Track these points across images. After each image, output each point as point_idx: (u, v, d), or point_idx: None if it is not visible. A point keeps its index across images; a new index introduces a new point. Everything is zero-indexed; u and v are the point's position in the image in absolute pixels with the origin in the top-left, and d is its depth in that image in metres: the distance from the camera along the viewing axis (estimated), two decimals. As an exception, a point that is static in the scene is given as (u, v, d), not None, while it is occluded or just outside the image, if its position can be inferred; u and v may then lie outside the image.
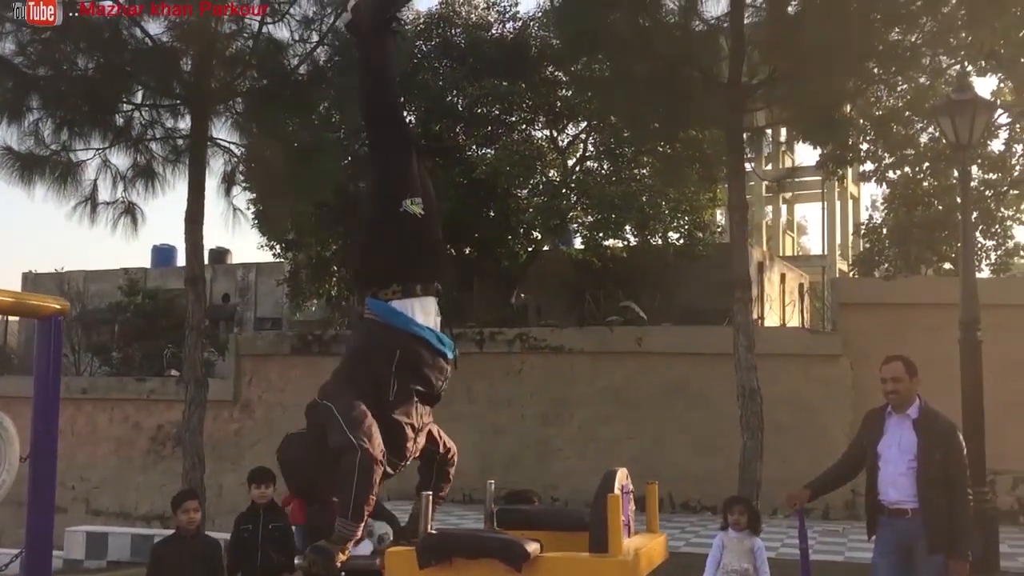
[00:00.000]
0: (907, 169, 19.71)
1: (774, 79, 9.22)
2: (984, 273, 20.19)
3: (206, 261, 34.26)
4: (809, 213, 38.21)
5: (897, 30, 11.90)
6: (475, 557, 3.47)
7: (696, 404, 13.60)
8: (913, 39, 12.07)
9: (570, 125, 22.23)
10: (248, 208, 16.38)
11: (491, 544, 3.49)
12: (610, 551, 3.38)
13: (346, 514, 3.58)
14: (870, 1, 10.92)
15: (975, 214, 19.40)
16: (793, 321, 23.94)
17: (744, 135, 9.56)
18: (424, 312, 4.01)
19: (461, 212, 19.72)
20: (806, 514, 6.25)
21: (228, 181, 11.16)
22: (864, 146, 19.04)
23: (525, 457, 14.73)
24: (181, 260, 34.52)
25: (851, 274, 21.29)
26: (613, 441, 13.75)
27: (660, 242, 20.39)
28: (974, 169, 20.43)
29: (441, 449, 4.33)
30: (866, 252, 20.04)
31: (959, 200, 11.74)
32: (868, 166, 19.84)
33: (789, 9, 9.74)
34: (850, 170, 23.08)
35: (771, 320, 22.54)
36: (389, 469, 3.87)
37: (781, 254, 29.69)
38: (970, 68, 15.12)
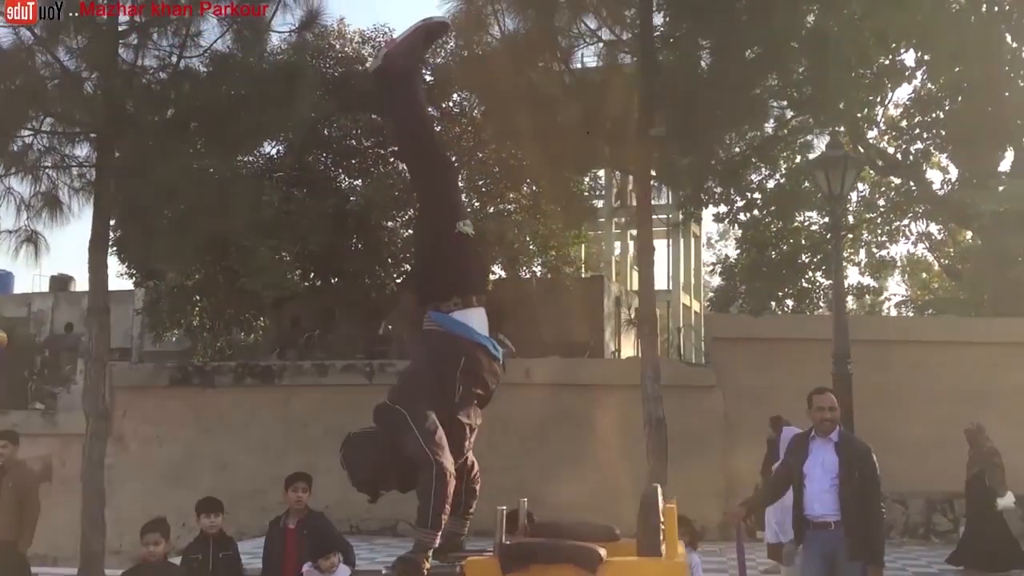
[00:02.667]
0: (755, 212, 21.22)
1: (677, 132, 9.98)
2: (821, 310, 21.97)
3: (46, 288, 32.54)
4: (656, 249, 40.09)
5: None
6: (552, 563, 3.80)
7: (580, 434, 14.19)
8: (758, 91, 13.15)
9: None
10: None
11: (567, 550, 3.84)
12: (666, 555, 3.85)
13: (425, 524, 3.83)
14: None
15: (819, 257, 21.14)
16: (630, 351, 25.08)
17: (652, 183, 10.27)
18: (480, 322, 4.36)
19: (332, 242, 19.81)
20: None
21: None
22: (718, 189, 20.41)
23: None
24: (17, 287, 32.77)
25: (708, 309, 22.61)
26: (500, 470, 14.11)
27: (528, 276, 21.06)
28: (813, 214, 22.30)
29: (468, 463, 4.57)
30: (722, 289, 21.41)
31: (830, 246, 12.83)
32: (722, 208, 21.18)
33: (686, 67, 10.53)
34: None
35: (627, 351, 23.60)
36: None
37: (629, 288, 31.04)
38: (812, 120, 16.56)
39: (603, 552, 3.82)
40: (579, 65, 10.66)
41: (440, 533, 3.92)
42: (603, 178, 20.99)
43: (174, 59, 10.69)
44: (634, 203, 28.86)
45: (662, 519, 4.05)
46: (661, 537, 4.00)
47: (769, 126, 15.59)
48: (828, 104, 12.37)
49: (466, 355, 4.21)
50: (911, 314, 24.80)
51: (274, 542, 7.09)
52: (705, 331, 15.84)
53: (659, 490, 4.09)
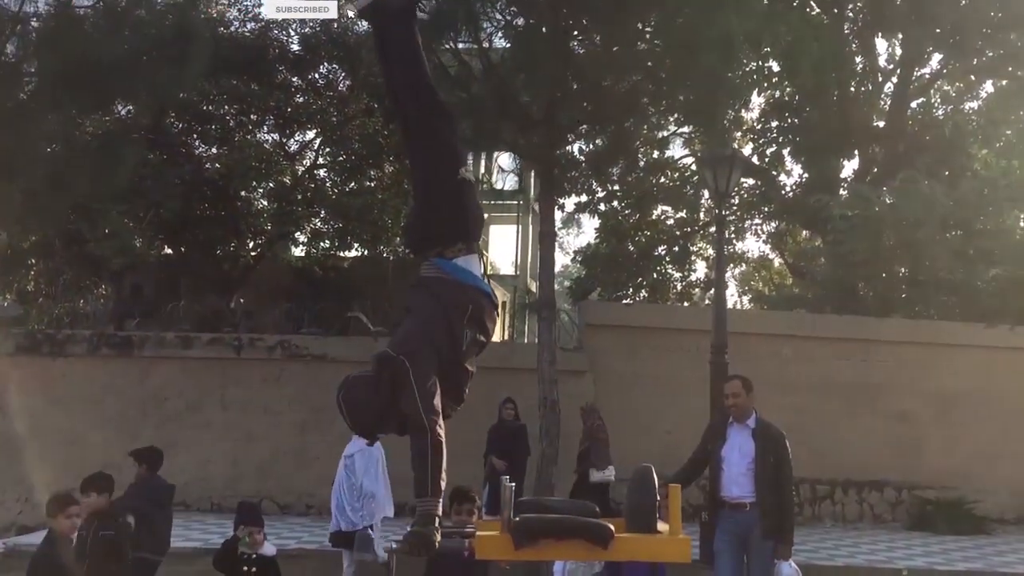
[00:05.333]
0: (615, 204, 21.79)
1: (580, 122, 10.18)
2: (670, 301, 22.82)
3: None
4: (500, 235, 40.33)
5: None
6: (564, 538, 3.79)
7: (460, 415, 14.19)
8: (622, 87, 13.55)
9: (299, 132, 22.17)
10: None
11: (579, 526, 3.83)
12: (672, 531, 3.97)
13: (425, 492, 3.75)
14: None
15: (676, 249, 21.94)
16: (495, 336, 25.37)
17: (555, 169, 10.42)
18: (478, 267, 4.29)
19: (185, 210, 19.03)
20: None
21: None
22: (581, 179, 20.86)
23: (281, 464, 14.55)
24: None
25: (567, 297, 23.05)
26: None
27: (390, 256, 20.87)
28: (668, 209, 23.11)
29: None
30: (583, 277, 21.89)
31: (715, 237, 13.30)
32: (583, 198, 21.57)
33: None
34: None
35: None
36: (450, 412, 4.07)
37: (487, 269, 31.20)
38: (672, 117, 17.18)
39: (613, 527, 3.90)
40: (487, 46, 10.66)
41: (440, 499, 3.89)
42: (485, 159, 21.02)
43: (58, 8, 10.04)
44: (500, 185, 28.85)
45: (659, 497, 4.16)
46: (658, 515, 4.12)
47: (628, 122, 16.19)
48: (707, 105, 12.86)
49: (472, 302, 4.14)
50: (750, 308, 26.09)
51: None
52: (579, 317, 16.17)
53: (652, 469, 4.20)
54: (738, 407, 7.17)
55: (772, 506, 6.88)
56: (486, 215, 34.33)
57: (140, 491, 7.52)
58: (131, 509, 6.99)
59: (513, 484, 4.12)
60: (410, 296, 4.33)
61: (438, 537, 3.81)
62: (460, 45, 10.53)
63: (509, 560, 4.41)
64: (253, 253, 21.43)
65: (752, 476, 6.96)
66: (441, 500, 3.91)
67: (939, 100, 22.14)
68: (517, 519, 3.93)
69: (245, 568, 6.41)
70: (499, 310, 4.47)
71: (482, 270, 4.43)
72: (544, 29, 10.02)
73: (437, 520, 3.85)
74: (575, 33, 10.84)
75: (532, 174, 20.65)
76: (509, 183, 27.07)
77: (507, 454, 10.56)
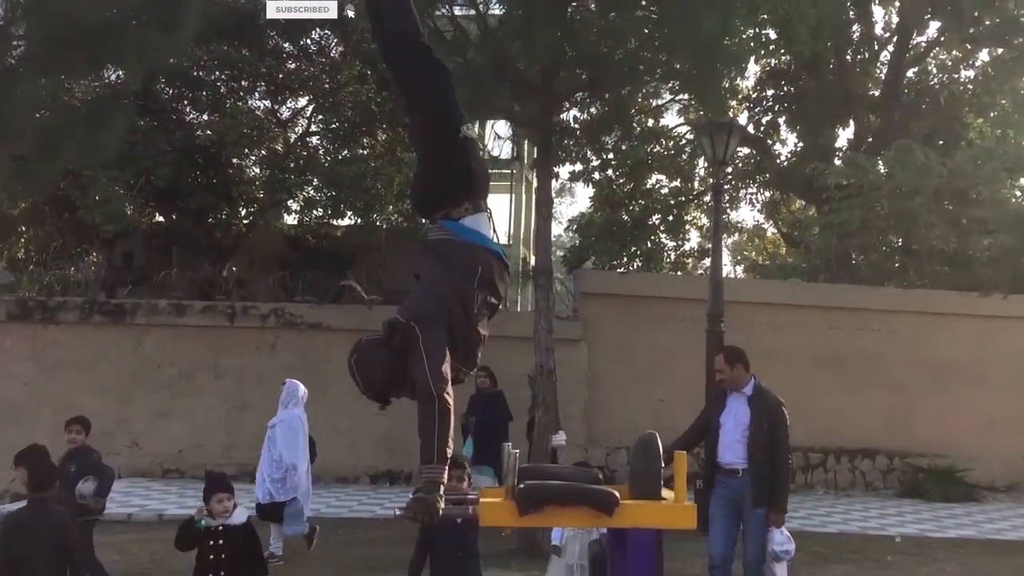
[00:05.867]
0: (610, 172, 21.70)
1: (577, 89, 10.09)
2: (665, 270, 22.81)
3: None
4: (496, 203, 40.27)
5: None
6: (568, 505, 3.79)
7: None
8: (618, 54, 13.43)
9: (291, 99, 21.99)
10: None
11: (584, 493, 3.83)
12: (677, 498, 3.95)
13: (431, 459, 3.70)
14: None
15: (671, 218, 21.89)
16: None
17: (552, 137, 10.34)
18: (487, 226, 4.25)
19: (176, 178, 18.87)
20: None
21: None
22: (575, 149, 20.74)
23: (275, 433, 14.57)
24: None
25: (561, 265, 23.01)
26: (367, 416, 13.97)
27: (383, 224, 20.77)
28: (663, 178, 23.03)
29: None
30: (577, 246, 21.85)
31: (712, 206, 13.26)
32: (577, 167, 21.49)
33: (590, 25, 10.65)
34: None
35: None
36: (461, 377, 4.05)
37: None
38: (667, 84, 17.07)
39: (618, 494, 3.88)
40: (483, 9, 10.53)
41: (446, 466, 3.87)
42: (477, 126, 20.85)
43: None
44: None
45: (663, 465, 4.15)
46: (662, 482, 4.10)
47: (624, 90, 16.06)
48: (705, 73, 12.73)
49: (482, 263, 4.06)
50: (745, 277, 26.12)
51: None
52: (574, 286, 16.16)
53: (657, 436, 4.18)
54: (725, 381, 7.24)
55: (764, 473, 6.91)
56: (479, 183, 34.61)
57: None
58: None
59: (517, 451, 4.10)
60: (419, 260, 4.27)
61: (442, 504, 3.78)
62: (456, 10, 10.39)
63: (512, 527, 4.41)
64: (245, 221, 21.29)
65: (746, 443, 7.00)
66: (447, 467, 3.89)
67: (935, 69, 22.06)
68: (521, 486, 3.91)
69: (211, 542, 6.00)
70: (509, 270, 4.40)
71: (492, 229, 4.37)
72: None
73: (442, 488, 3.82)
74: (572, -1, 10.69)
75: (527, 142, 20.54)
76: (504, 151, 26.93)
77: (486, 421, 10.53)
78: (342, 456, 14.00)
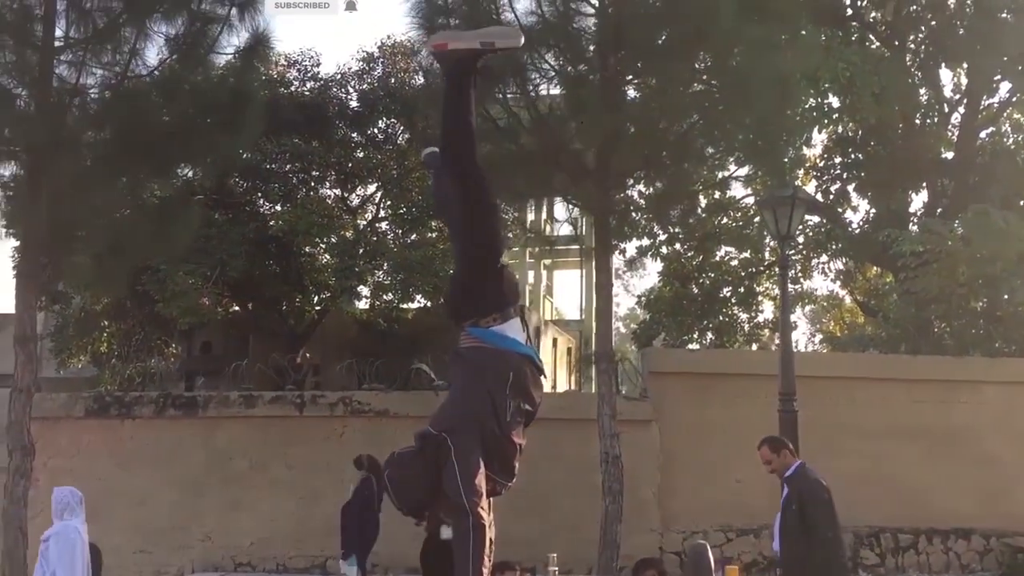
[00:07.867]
0: (677, 246, 21.52)
1: (636, 167, 10.04)
2: (738, 344, 22.37)
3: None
4: (565, 280, 40.27)
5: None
6: None
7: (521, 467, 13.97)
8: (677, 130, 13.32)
9: (360, 187, 22.43)
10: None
11: None
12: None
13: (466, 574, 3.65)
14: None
15: (741, 290, 21.55)
16: (564, 384, 25.12)
17: (612, 219, 10.28)
18: (516, 330, 4.14)
19: (251, 268, 19.28)
20: None
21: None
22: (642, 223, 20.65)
23: (345, 523, 14.48)
24: None
25: (631, 341, 22.76)
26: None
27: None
28: (732, 250, 22.74)
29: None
30: (647, 322, 21.59)
31: (778, 281, 13.00)
32: (644, 241, 21.34)
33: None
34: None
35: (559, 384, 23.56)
36: (500, 489, 3.97)
37: (543, 317, 31.11)
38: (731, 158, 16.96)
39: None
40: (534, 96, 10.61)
41: None
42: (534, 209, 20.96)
43: (116, 78, 10.25)
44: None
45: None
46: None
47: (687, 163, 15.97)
48: (769, 146, 12.62)
49: (513, 369, 3.99)
50: (824, 350, 25.53)
51: None
52: (643, 365, 15.89)
53: (708, 547, 3.98)
54: (774, 471, 7.09)
55: (794, 556, 6.67)
56: (548, 260, 34.39)
57: None
58: None
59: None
60: (449, 370, 4.21)
61: None
62: (508, 96, 10.48)
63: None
64: (318, 308, 21.60)
65: (778, 524, 6.90)
66: None
67: (1009, 129, 21.52)
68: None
69: None
70: (545, 374, 4.29)
71: (525, 331, 4.26)
72: (593, 77, 9.93)
73: None
74: (627, 77, 10.72)
75: (584, 221, 20.50)
76: (563, 231, 26.96)
77: None
78: (405, 544, 13.80)
